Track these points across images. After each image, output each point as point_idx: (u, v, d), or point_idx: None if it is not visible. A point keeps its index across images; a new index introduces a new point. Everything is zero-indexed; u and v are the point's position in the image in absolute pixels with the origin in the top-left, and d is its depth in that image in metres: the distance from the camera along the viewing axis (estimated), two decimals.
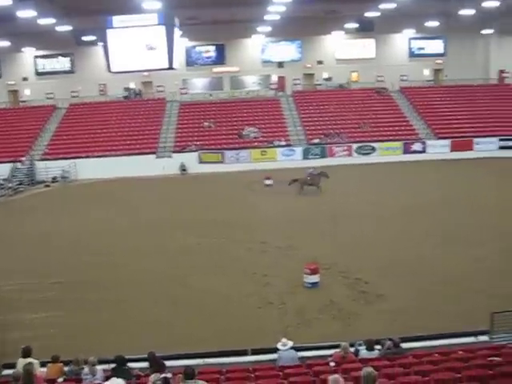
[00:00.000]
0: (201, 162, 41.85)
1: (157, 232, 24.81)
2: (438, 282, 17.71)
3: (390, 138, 43.93)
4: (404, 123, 46.44)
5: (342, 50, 51.94)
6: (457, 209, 27.24)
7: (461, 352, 11.01)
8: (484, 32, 50.27)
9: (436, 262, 19.72)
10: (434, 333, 12.70)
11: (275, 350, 11.82)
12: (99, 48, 40.92)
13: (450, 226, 24.02)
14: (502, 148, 43.37)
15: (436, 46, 52.70)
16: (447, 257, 20.10)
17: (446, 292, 16.84)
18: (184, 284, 18.23)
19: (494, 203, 27.67)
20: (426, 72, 53.11)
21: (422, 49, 52.79)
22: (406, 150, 43.44)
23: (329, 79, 52.08)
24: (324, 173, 31.72)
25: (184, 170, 41.38)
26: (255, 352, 12.29)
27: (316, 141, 43.68)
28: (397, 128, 45.20)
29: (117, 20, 24.63)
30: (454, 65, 50.64)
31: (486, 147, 43.20)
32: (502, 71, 51.61)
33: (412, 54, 52.87)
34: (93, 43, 41.16)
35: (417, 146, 43.71)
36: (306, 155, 42.52)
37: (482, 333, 12.59)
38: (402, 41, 52.63)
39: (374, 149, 43.30)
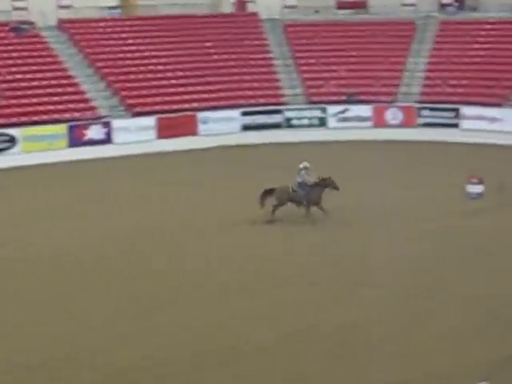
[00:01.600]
0: None
1: None
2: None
3: (43, 117, 42.32)
4: (69, 88, 45.70)
5: None
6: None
7: None
8: None
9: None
10: None
11: None
12: None
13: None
14: (246, 128, 44.24)
15: None
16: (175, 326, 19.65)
17: None
18: None
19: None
20: None
21: None
22: (75, 140, 41.93)
23: None
24: (330, 181, 29.78)
25: None
26: None
27: None
28: (54, 98, 43.99)
29: None
30: None
31: (220, 128, 43.89)
32: None
33: None
34: None
35: (96, 132, 42.59)
36: None
37: None
38: None
39: (13, 140, 41.17)
